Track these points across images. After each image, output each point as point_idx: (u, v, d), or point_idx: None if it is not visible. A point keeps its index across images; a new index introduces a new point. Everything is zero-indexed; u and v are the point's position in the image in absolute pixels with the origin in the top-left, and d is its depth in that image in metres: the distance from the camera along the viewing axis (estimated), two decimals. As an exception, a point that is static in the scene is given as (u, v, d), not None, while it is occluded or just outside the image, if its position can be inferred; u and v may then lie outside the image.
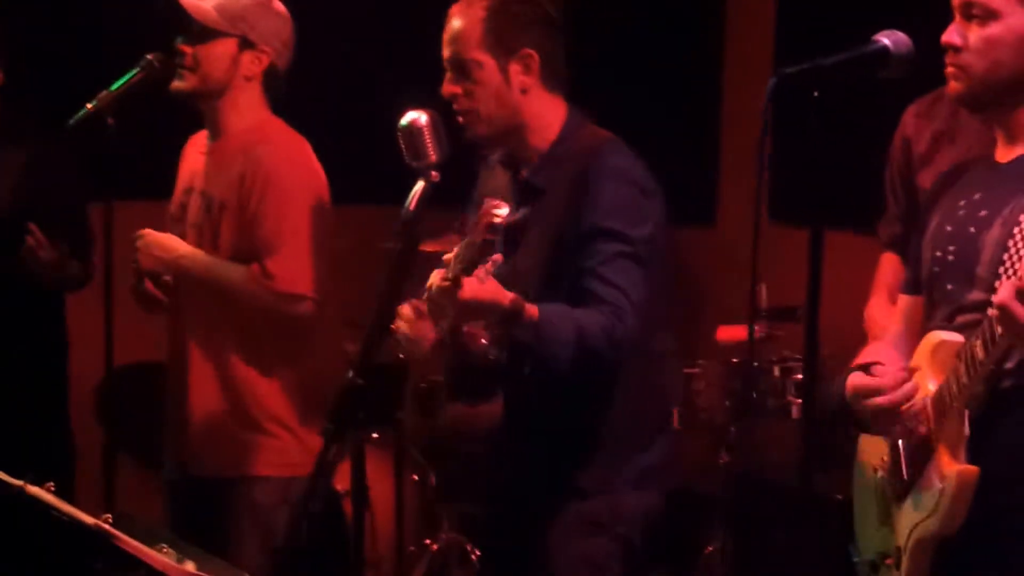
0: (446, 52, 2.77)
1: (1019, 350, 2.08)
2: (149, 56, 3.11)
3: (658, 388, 2.86)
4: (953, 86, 2.23)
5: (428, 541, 4.19)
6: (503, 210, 2.45)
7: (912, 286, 2.46)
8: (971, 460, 2.14)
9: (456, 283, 2.46)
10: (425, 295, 2.62)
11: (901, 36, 2.07)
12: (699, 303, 5.27)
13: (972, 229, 2.25)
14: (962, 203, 2.31)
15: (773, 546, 3.72)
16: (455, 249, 2.53)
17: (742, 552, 4.04)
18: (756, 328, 4.32)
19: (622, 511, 2.74)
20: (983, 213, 2.25)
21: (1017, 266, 2.13)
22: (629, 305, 2.60)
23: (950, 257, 2.30)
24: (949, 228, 2.32)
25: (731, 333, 4.29)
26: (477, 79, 2.74)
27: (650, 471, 2.77)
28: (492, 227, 2.42)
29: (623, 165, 2.70)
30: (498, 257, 2.45)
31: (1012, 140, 2.27)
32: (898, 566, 2.27)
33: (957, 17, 2.20)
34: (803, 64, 2.03)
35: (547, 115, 2.77)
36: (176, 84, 3.15)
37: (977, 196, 2.29)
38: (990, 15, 2.16)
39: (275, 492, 3.12)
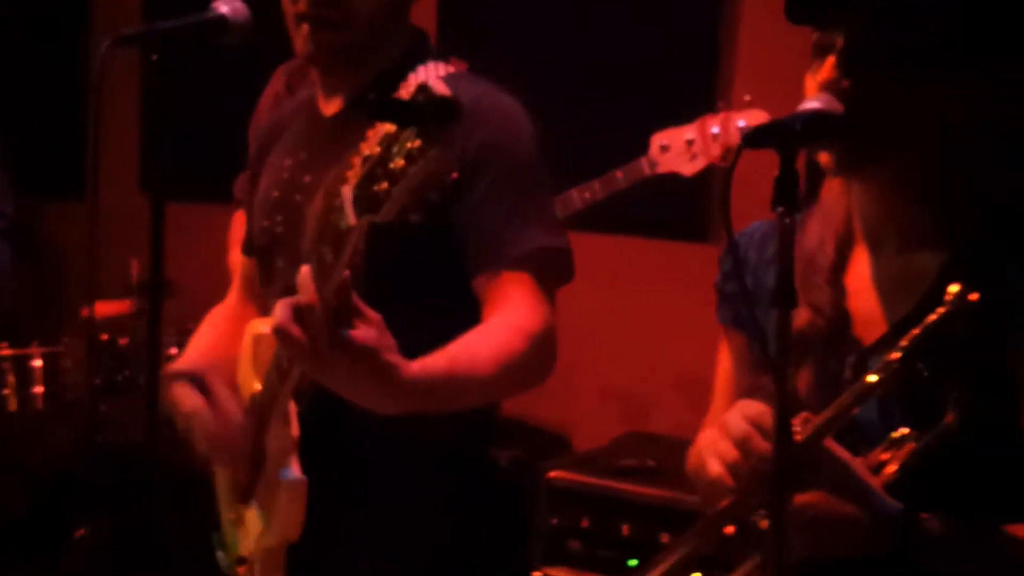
0: None
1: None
2: None
3: None
4: (325, 37, 2.05)
5: None
6: None
7: (248, 248, 2.33)
8: (310, 458, 1.96)
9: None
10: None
11: (239, 5, 2.04)
12: (64, 279, 5.10)
13: (298, 197, 2.12)
14: (288, 163, 2.18)
15: (152, 526, 3.65)
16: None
17: (120, 533, 3.93)
18: (128, 303, 4.23)
19: None
20: (308, 179, 2.12)
21: None
22: None
23: (279, 229, 2.16)
24: (276, 194, 2.18)
25: (100, 309, 4.16)
26: None
27: None
28: None
29: None
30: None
31: (335, 90, 2.16)
32: (256, 573, 2.12)
33: None
34: (140, 28, 1.97)
35: None
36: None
37: (303, 155, 2.16)
38: None
39: None
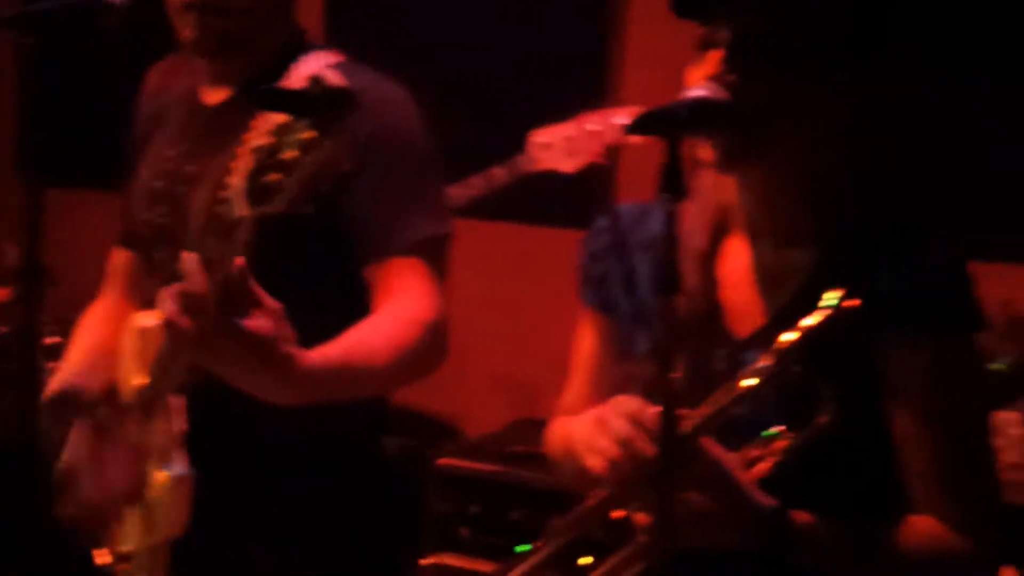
0: None
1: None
2: None
3: None
4: (212, 23, 2.03)
5: None
6: None
7: (127, 240, 2.32)
8: (199, 452, 1.92)
9: None
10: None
11: None
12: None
13: (182, 188, 2.09)
14: (170, 153, 2.15)
15: (28, 522, 3.58)
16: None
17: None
18: (5, 291, 4.13)
19: None
20: (191, 169, 2.09)
21: None
22: None
23: (161, 220, 2.13)
24: (159, 185, 2.15)
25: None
26: None
27: None
28: None
29: None
30: None
31: (220, 80, 2.13)
32: (139, 570, 2.08)
33: None
34: (14, 9, 1.91)
35: None
36: None
37: (186, 146, 2.13)
38: None
39: None
